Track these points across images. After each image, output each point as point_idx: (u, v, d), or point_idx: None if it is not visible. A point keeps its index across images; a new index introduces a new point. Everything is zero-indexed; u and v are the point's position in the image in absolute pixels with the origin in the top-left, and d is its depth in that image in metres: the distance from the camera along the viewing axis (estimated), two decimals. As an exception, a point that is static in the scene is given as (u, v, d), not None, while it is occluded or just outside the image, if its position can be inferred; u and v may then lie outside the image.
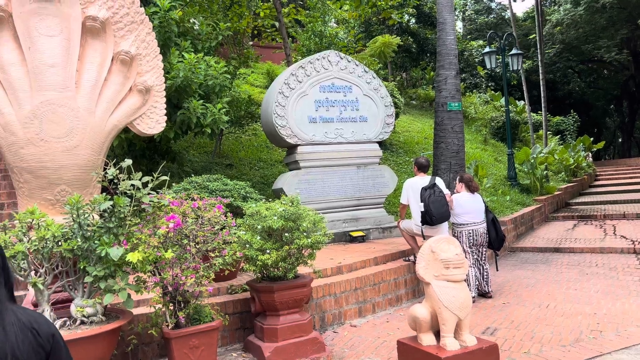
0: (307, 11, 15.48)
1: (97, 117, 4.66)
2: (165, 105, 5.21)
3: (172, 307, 4.28)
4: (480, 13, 34.97)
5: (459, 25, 34.67)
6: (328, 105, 9.14)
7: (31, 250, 3.82)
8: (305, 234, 4.69)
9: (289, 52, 12.56)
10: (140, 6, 5.14)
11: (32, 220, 3.96)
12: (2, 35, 4.46)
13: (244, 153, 12.05)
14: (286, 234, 4.60)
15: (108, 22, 4.80)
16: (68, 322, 4.04)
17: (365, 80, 9.56)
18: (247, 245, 4.59)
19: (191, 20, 8.14)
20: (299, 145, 8.82)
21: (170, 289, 4.15)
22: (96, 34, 4.76)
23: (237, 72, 11.01)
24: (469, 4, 35.25)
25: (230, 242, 4.48)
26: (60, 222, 4.09)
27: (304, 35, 14.75)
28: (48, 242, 3.90)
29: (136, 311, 4.80)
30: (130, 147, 7.42)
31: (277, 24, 13.53)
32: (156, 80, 5.11)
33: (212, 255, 4.23)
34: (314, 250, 4.87)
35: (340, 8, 15.84)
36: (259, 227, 4.61)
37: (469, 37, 32.37)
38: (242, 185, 6.21)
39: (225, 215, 4.41)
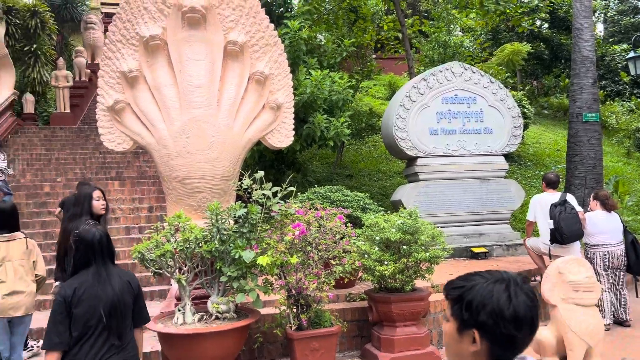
0: (431, 22, 15.37)
1: (234, 132, 5.15)
2: (293, 121, 5.58)
3: (295, 310, 4.56)
4: (625, 14, 31.76)
5: (599, 28, 31.82)
6: (450, 117, 9.02)
7: (177, 250, 4.34)
8: (423, 247, 4.72)
9: (412, 64, 12.58)
10: (274, 29, 5.58)
11: (179, 223, 4.49)
12: (158, 60, 5.14)
13: (363, 164, 12.27)
14: (404, 247, 4.67)
15: (246, 45, 5.29)
16: (205, 317, 4.50)
17: (491, 91, 9.27)
18: (366, 256, 4.74)
19: (318, 37, 8.57)
20: (419, 157, 8.81)
21: (294, 292, 4.44)
22: (235, 56, 5.27)
23: (360, 85, 11.30)
24: (611, 4, 32.23)
25: (350, 252, 4.66)
26: (201, 226, 4.58)
27: (428, 46, 14.66)
28: (191, 243, 4.39)
29: (263, 311, 5.17)
30: (260, 158, 7.99)
31: (400, 35, 13.64)
32: (286, 98, 5.49)
33: (333, 262, 4.45)
34: (432, 265, 4.87)
35: (466, 17, 15.49)
36: (377, 238, 4.74)
37: (610, 40, 29.55)
38: (362, 196, 6.40)
39: (346, 225, 4.61)
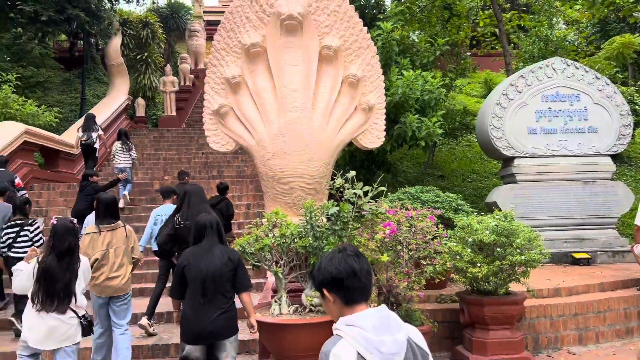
0: (531, 15, 14.66)
1: (328, 134, 5.35)
2: (384, 122, 5.68)
3: (385, 307, 4.66)
4: None
5: None
6: (551, 116, 8.60)
7: (275, 245, 4.61)
8: (518, 250, 4.61)
9: (509, 60, 12.10)
10: (367, 32, 5.70)
11: (276, 219, 4.77)
12: (259, 66, 5.47)
13: (456, 164, 12.02)
14: (498, 249, 4.59)
15: (340, 49, 5.47)
16: (299, 309, 4.74)
17: (597, 88, 8.71)
18: (458, 257, 4.72)
19: (410, 37, 8.55)
20: (516, 157, 8.49)
21: (384, 289, 4.54)
22: (330, 60, 5.46)
23: (454, 84, 11.10)
24: None
25: (441, 252, 4.66)
26: (296, 223, 4.82)
27: (527, 41, 14.00)
28: (287, 238, 4.64)
29: (353, 307, 5.31)
30: (351, 159, 8.16)
31: (497, 31, 13.16)
32: (378, 100, 5.60)
33: (424, 262, 4.49)
34: (528, 269, 4.74)
35: (570, 8, 14.59)
36: (470, 240, 4.70)
37: None
38: (454, 197, 6.33)
39: (437, 226, 4.63)
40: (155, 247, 5.92)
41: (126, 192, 9.96)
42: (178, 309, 4.02)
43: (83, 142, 10.52)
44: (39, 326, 3.73)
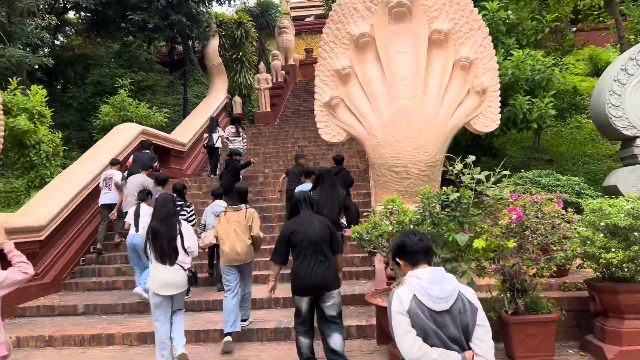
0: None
1: (440, 119, 5.27)
2: (499, 104, 5.49)
3: (510, 295, 4.54)
4: None
5: None
6: (679, 90, 7.81)
7: (393, 232, 4.64)
8: (658, 235, 4.27)
9: (622, 33, 11.15)
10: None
11: (392, 207, 4.80)
12: (367, 56, 5.51)
13: (565, 147, 11.33)
14: (635, 234, 4.29)
15: (450, 32, 5.36)
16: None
17: None
18: (588, 242, 4.47)
19: (508, 12, 8.10)
20: (638, 137, 7.83)
21: (509, 276, 4.42)
22: (440, 44, 5.37)
23: (560, 62, 10.44)
24: None
25: (569, 238, 4.44)
26: (412, 210, 4.82)
27: (638, 12, 12.81)
28: (405, 225, 4.66)
29: (472, 294, 5.22)
30: (455, 145, 7.96)
31: (602, 3, 12.16)
32: (491, 81, 5.43)
33: (554, 248, 4.30)
34: (670, 255, 4.38)
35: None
36: (602, 224, 4.43)
37: None
38: (576, 181, 5.99)
39: (566, 210, 4.41)
40: None
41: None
42: (276, 274, 4.78)
43: (205, 145, 11.88)
44: (157, 277, 4.67)
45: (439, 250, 4.56)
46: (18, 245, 7.07)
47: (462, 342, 2.26)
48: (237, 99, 18.44)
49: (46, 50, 13.63)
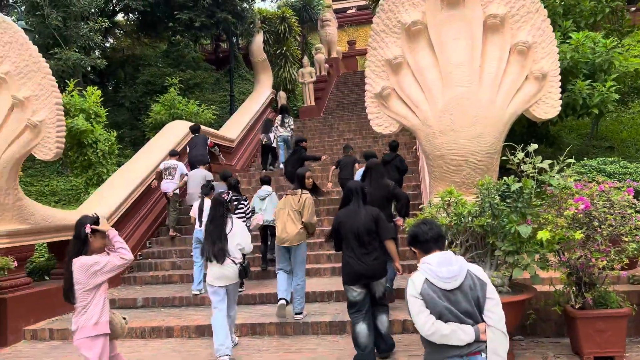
0: None
1: (497, 107, 5.09)
2: (560, 89, 5.25)
3: (576, 288, 4.34)
4: None
5: None
6: None
7: (452, 224, 4.53)
8: None
9: (688, 10, 10.46)
10: (536, -6, 5.29)
11: (450, 198, 4.67)
12: (419, 44, 5.37)
13: (626, 134, 10.75)
14: None
15: (506, 16, 5.15)
16: (478, 289, 4.61)
17: None
18: (663, 233, 4.21)
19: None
20: None
21: (575, 269, 4.22)
22: (495, 29, 5.18)
23: (620, 44, 9.91)
24: None
25: (641, 228, 4.20)
26: (470, 201, 4.68)
27: None
28: (463, 218, 4.53)
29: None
30: (510, 133, 7.69)
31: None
32: (551, 66, 5.19)
33: (625, 239, 4.08)
34: None
35: None
36: (678, 213, 4.17)
37: None
38: (646, 167, 5.66)
39: (637, 199, 4.17)
40: None
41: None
42: None
43: (264, 143, 12.33)
44: (212, 271, 5.10)
45: (499, 243, 4.41)
46: (80, 241, 7.41)
47: (476, 315, 2.53)
48: (282, 94, 18.53)
49: (97, 53, 14.07)
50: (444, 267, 2.55)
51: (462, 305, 2.52)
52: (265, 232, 7.64)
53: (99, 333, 3.57)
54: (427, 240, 2.69)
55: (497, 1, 5.18)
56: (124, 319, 3.89)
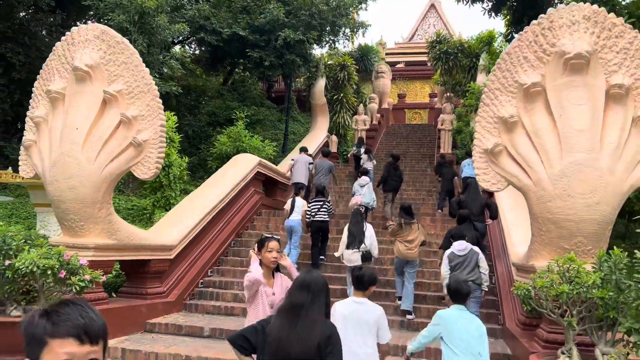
0: None
1: (616, 178, 4.98)
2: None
3: None
4: None
5: None
6: None
7: (573, 293, 4.35)
8: None
9: None
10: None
11: (570, 266, 4.51)
12: (536, 105, 5.36)
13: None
14: None
15: (631, 87, 5.12)
16: (592, 365, 4.37)
17: None
18: None
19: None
20: None
21: None
22: (618, 99, 5.14)
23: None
24: None
25: None
26: (589, 271, 4.50)
27: None
28: (584, 288, 4.35)
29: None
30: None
31: None
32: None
33: None
34: None
35: None
36: None
37: None
38: None
39: None
40: None
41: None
42: None
43: (354, 153, 14.75)
44: (346, 254, 7.44)
45: (622, 319, 4.21)
46: (153, 263, 7.41)
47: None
48: (334, 138, 18.73)
49: (174, 81, 14.58)
50: (459, 247, 6.33)
51: (466, 263, 6.34)
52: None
53: None
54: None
55: (622, 72, 5.17)
56: None
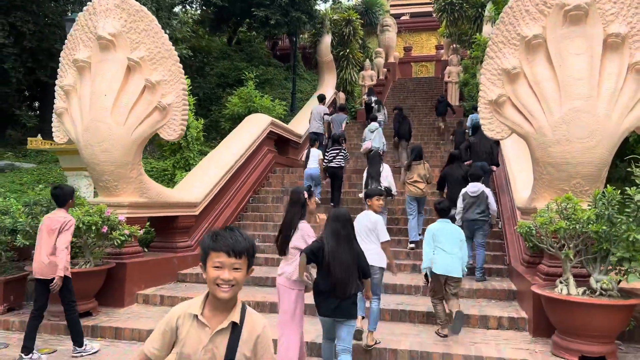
0: None
1: (612, 122, 5.35)
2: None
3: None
4: None
5: None
6: None
7: (569, 228, 4.81)
8: None
9: None
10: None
11: (567, 204, 4.96)
12: (537, 56, 5.67)
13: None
14: None
15: (627, 36, 5.41)
16: (587, 292, 4.88)
17: None
18: None
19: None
20: None
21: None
22: (615, 48, 5.43)
23: None
24: None
25: None
26: (584, 208, 4.95)
27: None
28: (580, 224, 4.81)
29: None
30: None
31: None
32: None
33: None
34: None
35: None
36: None
37: None
38: None
39: None
40: None
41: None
42: None
43: (366, 101, 15.05)
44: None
45: (614, 249, 4.69)
46: (180, 219, 7.95)
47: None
48: (341, 95, 18.96)
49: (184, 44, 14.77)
50: (473, 188, 7.15)
51: (478, 202, 7.15)
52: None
53: (294, 288, 4.41)
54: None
55: (619, 21, 5.44)
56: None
